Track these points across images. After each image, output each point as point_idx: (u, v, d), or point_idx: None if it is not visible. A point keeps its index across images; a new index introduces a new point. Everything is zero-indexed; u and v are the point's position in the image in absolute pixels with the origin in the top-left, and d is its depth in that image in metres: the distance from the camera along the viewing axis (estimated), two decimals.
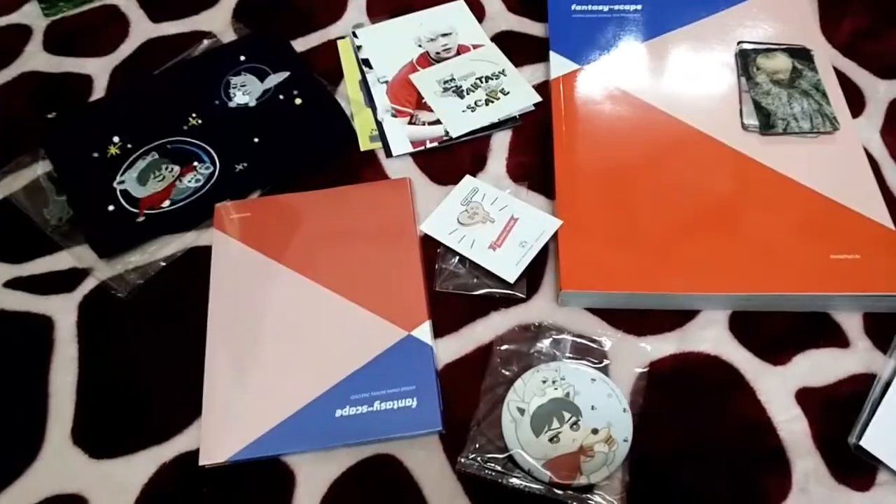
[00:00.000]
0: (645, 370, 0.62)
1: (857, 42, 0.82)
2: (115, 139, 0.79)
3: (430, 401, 0.60)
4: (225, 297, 0.67)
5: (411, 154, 0.77)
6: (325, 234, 0.70)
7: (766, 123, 0.73)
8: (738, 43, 0.80)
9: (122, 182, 0.75)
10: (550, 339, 0.64)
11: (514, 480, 0.57)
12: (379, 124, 0.79)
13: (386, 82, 0.83)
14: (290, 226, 0.71)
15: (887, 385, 0.59)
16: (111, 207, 0.74)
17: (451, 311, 0.66)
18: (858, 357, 0.62)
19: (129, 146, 0.78)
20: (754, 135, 0.73)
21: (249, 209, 0.73)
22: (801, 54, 0.78)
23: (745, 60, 0.78)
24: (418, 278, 0.67)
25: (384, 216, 0.71)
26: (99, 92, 0.86)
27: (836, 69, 0.78)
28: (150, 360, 0.65)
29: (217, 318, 0.66)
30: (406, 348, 0.63)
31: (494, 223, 0.70)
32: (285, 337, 0.64)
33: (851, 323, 0.64)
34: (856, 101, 0.77)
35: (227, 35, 0.90)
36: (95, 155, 0.78)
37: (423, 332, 0.64)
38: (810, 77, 0.76)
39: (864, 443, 0.56)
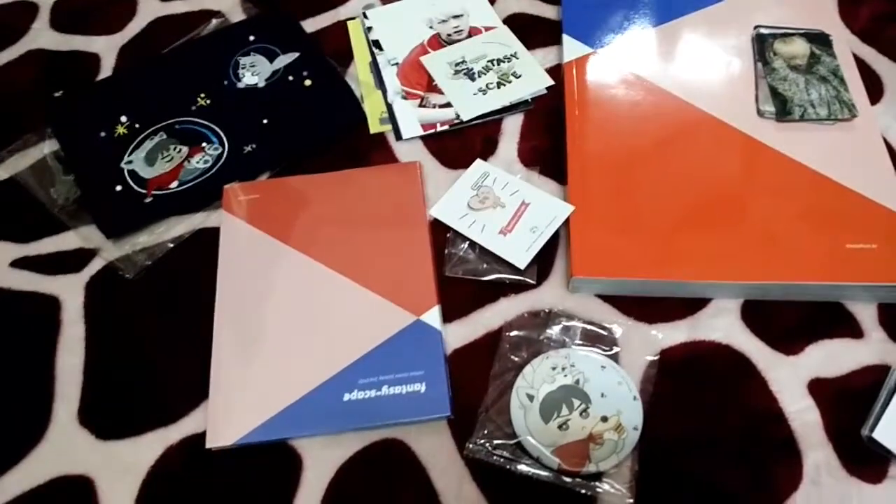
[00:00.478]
0: (656, 358, 0.61)
1: (876, 28, 0.81)
2: (123, 119, 0.78)
3: (438, 386, 0.60)
4: (233, 279, 0.66)
5: (421, 137, 0.77)
6: (333, 217, 0.70)
7: (783, 110, 0.72)
8: (755, 27, 0.79)
9: (129, 162, 0.75)
10: (560, 325, 0.63)
11: (523, 467, 0.57)
12: (389, 107, 0.79)
13: (396, 64, 0.82)
14: (298, 208, 0.70)
15: None
16: (119, 188, 0.73)
17: (461, 296, 0.66)
18: (872, 348, 0.61)
19: (137, 126, 0.77)
20: (770, 121, 0.72)
21: (258, 191, 0.72)
22: (820, 39, 0.77)
23: (762, 45, 0.77)
24: (427, 263, 0.66)
25: (393, 200, 0.71)
26: (106, 71, 0.85)
27: (854, 55, 0.77)
28: (157, 342, 0.65)
29: (225, 300, 0.65)
30: (415, 333, 0.62)
31: (505, 208, 0.69)
32: (293, 320, 0.64)
33: (866, 314, 0.63)
34: (875, 88, 0.76)
35: (236, 15, 0.89)
36: (103, 134, 0.77)
37: (432, 316, 0.63)
38: (829, 63, 0.75)
39: (876, 435, 0.56)
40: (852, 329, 0.62)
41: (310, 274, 0.66)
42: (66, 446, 0.60)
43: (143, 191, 0.73)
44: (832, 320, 0.63)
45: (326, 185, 0.72)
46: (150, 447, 0.60)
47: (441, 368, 0.60)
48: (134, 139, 0.77)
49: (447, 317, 0.65)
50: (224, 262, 0.68)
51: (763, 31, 0.78)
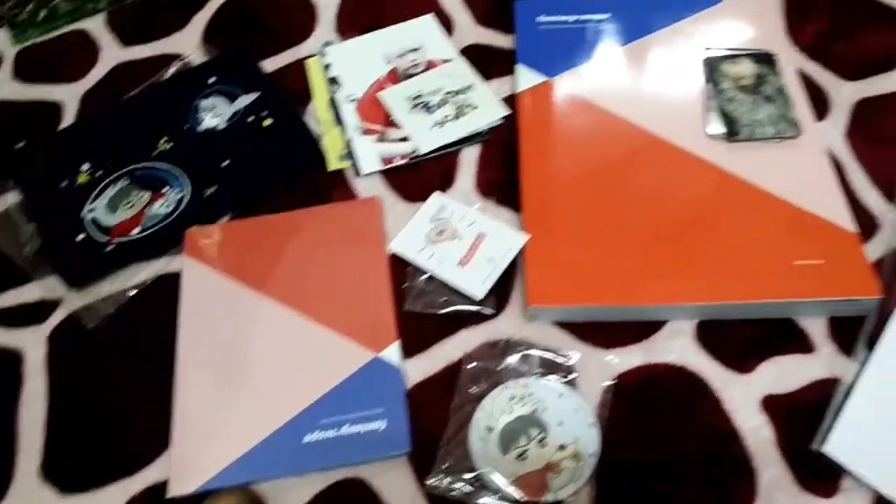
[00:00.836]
0: (612, 383, 0.62)
1: (821, 44, 0.82)
2: (85, 167, 0.79)
3: (398, 423, 0.60)
4: (194, 325, 0.67)
5: (381, 172, 0.78)
6: (294, 256, 0.71)
7: (731, 130, 0.73)
8: (704, 49, 0.80)
9: (91, 210, 0.76)
10: (519, 354, 0.64)
11: (484, 500, 0.57)
12: (348, 143, 0.80)
13: (355, 100, 0.83)
14: (259, 249, 0.71)
15: (850, 390, 0.59)
16: (81, 237, 0.74)
17: (421, 329, 0.67)
18: (823, 362, 0.62)
19: (99, 173, 0.79)
20: (720, 142, 0.73)
21: (219, 233, 0.73)
22: (765, 59, 0.78)
23: (711, 67, 0.79)
24: (387, 299, 0.67)
25: (353, 236, 0.72)
26: (69, 118, 0.86)
27: (801, 72, 0.79)
28: (119, 391, 0.66)
29: (187, 346, 0.66)
30: (374, 370, 0.63)
31: (462, 240, 0.71)
32: (255, 362, 0.65)
33: (816, 328, 0.64)
34: (821, 104, 0.77)
35: (198, 57, 0.90)
36: (65, 183, 0.78)
37: (392, 352, 0.64)
38: (774, 82, 0.76)
39: (827, 449, 0.57)
40: (803, 344, 0.63)
41: (270, 316, 0.67)
42: (29, 502, 0.60)
43: (106, 239, 0.74)
44: (784, 336, 0.64)
45: (286, 224, 0.73)
46: (113, 499, 0.60)
47: (400, 405, 0.61)
48: (96, 186, 0.78)
49: (408, 351, 0.66)
50: (186, 307, 0.69)
51: (712, 53, 0.80)
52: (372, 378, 0.63)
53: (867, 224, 0.69)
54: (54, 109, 0.87)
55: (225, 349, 0.65)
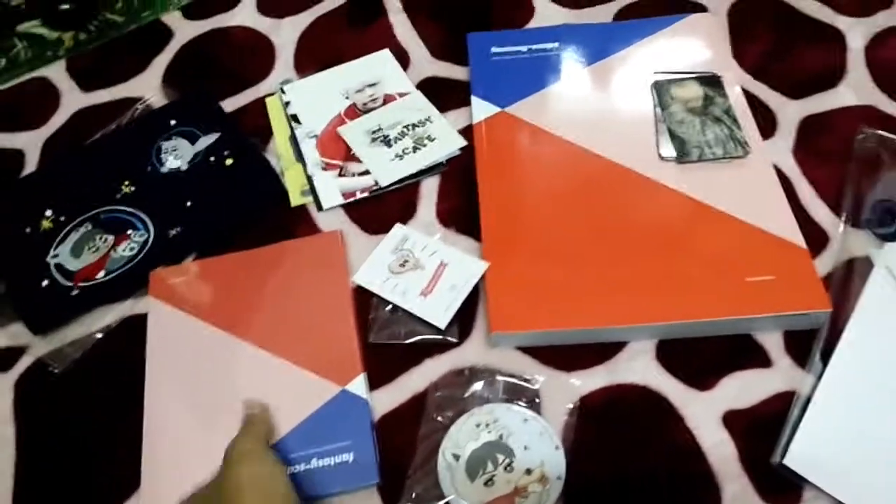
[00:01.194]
0: (576, 405, 0.63)
1: (766, 64, 0.85)
2: (48, 213, 0.79)
3: (366, 454, 0.61)
4: (161, 365, 0.68)
5: (342, 206, 0.79)
6: (258, 293, 0.71)
7: (682, 151, 0.75)
8: (653, 73, 0.83)
9: (55, 256, 0.76)
10: (483, 381, 0.65)
11: None
12: (309, 179, 0.81)
13: (315, 137, 0.84)
14: (223, 288, 0.72)
15: (807, 402, 0.61)
16: (45, 283, 0.74)
17: (387, 360, 0.67)
18: (781, 375, 0.64)
19: (62, 219, 0.79)
20: (671, 164, 0.75)
21: (183, 273, 0.74)
22: (712, 81, 0.81)
23: (660, 91, 0.81)
24: (351, 332, 0.68)
25: (316, 271, 0.73)
26: (31, 166, 0.86)
27: (747, 92, 0.81)
28: (88, 436, 0.66)
29: (154, 387, 0.66)
30: (341, 403, 0.64)
31: (425, 270, 0.72)
32: (222, 400, 0.65)
33: (773, 342, 0.65)
34: (768, 122, 0.79)
35: (158, 100, 0.91)
36: (28, 230, 0.78)
37: (358, 385, 0.65)
38: (721, 103, 0.79)
39: (787, 461, 0.58)
40: (761, 359, 0.65)
41: (236, 353, 0.68)
42: None
43: (70, 284, 0.74)
44: (742, 352, 0.65)
45: (250, 262, 0.74)
46: None
47: (368, 436, 0.62)
48: (59, 232, 0.78)
49: (374, 383, 0.66)
50: (152, 347, 0.69)
51: (660, 77, 0.82)
52: (339, 411, 0.63)
53: (817, 239, 0.70)
54: (17, 156, 0.87)
55: (192, 389, 0.66)
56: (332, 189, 0.80)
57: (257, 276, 0.72)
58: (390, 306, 0.70)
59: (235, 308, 0.70)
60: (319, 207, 0.79)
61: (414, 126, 0.84)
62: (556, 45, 0.87)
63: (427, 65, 0.91)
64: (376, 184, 0.79)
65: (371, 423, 0.63)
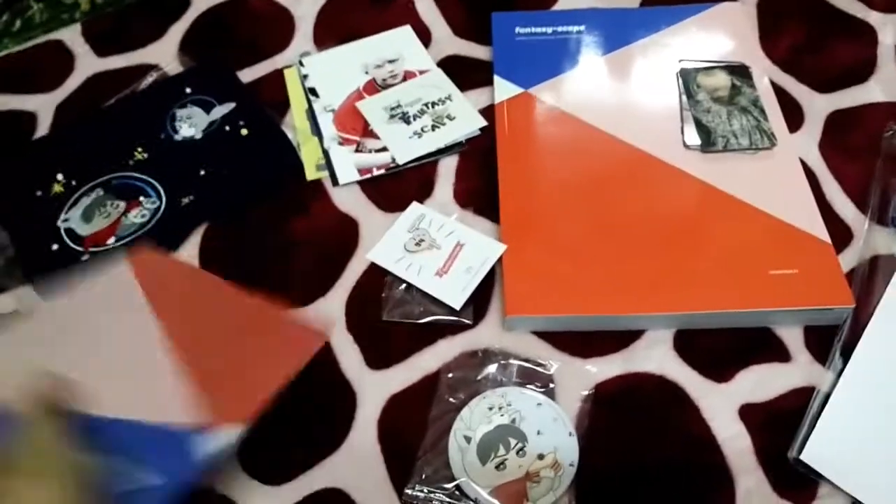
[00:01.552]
0: (591, 392, 0.62)
1: (795, 57, 0.84)
2: (59, 176, 0.78)
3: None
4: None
5: (358, 182, 0.77)
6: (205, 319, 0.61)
7: (707, 141, 0.74)
8: (679, 61, 0.81)
9: (66, 220, 0.75)
10: (497, 364, 0.64)
11: None
12: (325, 153, 0.80)
13: (333, 111, 0.83)
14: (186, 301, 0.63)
15: (826, 398, 0.60)
16: (55, 247, 0.73)
17: (399, 339, 0.66)
18: (799, 371, 0.63)
19: (74, 183, 0.78)
20: (696, 153, 0.74)
21: (164, 265, 0.67)
22: (740, 71, 0.79)
23: (686, 79, 0.79)
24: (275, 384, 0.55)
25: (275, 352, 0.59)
26: (44, 129, 0.85)
27: (775, 84, 0.80)
28: None
29: None
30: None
31: (441, 249, 0.70)
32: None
33: (792, 337, 0.64)
34: (794, 116, 0.78)
35: (174, 68, 0.90)
36: (39, 193, 0.77)
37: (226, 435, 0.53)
38: (749, 93, 0.77)
39: (804, 457, 0.57)
40: (780, 353, 0.64)
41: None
42: None
43: (81, 249, 0.73)
44: (761, 346, 0.64)
45: (228, 300, 0.62)
46: None
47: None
48: (70, 196, 0.77)
49: (386, 361, 0.65)
50: None
51: (686, 65, 0.81)
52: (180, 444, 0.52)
53: (841, 234, 0.69)
54: (29, 119, 0.86)
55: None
56: (348, 164, 0.78)
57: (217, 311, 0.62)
58: (404, 285, 0.69)
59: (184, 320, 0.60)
60: (335, 182, 0.77)
61: (434, 104, 0.82)
62: (582, 28, 0.85)
63: (448, 43, 0.90)
64: (393, 161, 0.78)
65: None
